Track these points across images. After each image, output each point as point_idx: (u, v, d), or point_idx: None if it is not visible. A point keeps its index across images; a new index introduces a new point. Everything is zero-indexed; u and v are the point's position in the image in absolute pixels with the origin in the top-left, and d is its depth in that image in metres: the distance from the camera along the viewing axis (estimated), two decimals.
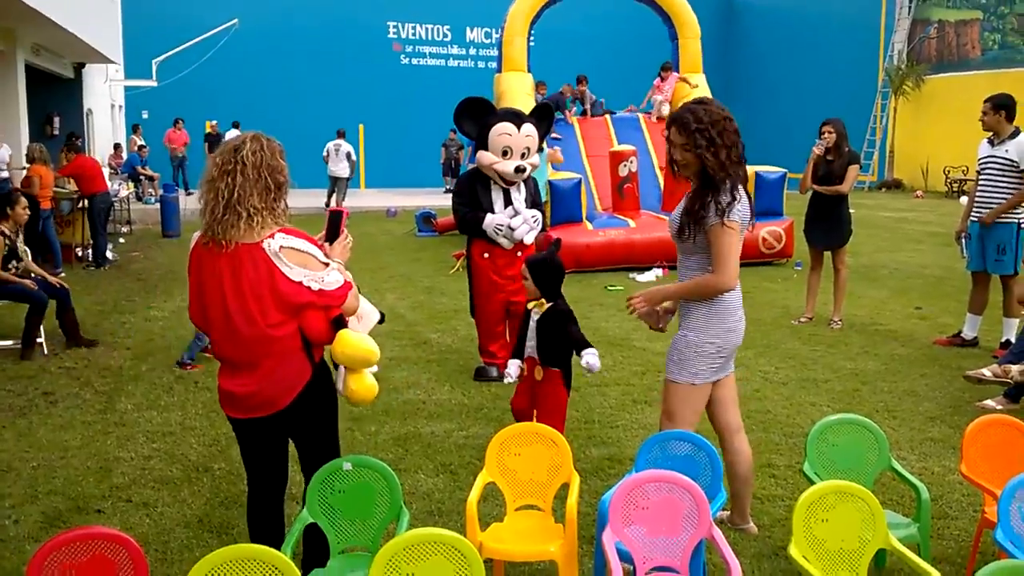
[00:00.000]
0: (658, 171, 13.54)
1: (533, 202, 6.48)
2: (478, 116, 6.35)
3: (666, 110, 14.49)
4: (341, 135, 20.40)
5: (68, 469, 4.91)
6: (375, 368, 3.32)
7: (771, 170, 12.09)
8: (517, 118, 6.30)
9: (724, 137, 3.61)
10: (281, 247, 2.98)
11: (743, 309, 3.84)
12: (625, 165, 12.20)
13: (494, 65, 28.08)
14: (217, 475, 4.84)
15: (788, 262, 12.14)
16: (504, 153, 6.24)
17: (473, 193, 6.43)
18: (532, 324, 4.61)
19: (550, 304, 4.60)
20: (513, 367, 4.63)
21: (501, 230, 6.38)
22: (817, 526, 3.07)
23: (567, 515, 3.33)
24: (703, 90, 14.59)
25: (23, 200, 7.78)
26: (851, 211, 8.47)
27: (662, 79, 15.06)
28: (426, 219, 16.24)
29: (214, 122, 23.75)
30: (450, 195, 24.32)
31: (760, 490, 4.59)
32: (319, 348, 3.17)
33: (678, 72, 15.05)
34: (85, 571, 2.54)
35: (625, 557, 3.04)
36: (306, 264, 3.02)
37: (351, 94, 27.58)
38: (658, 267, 11.38)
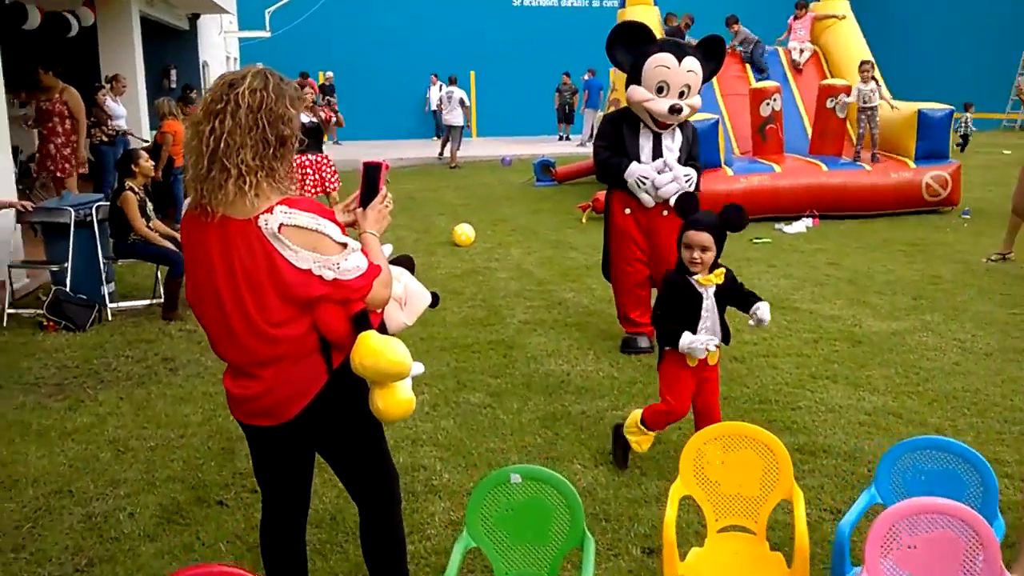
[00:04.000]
0: (803, 110, 12.41)
1: (690, 155, 5.59)
2: (634, 44, 5.54)
3: (805, 57, 13.19)
4: (453, 82, 19.73)
5: (188, 450, 4.47)
6: (420, 368, 2.53)
7: (936, 107, 10.84)
8: (679, 49, 5.45)
9: None
10: (282, 225, 2.27)
11: None
12: (768, 104, 11.14)
13: (610, 3, 26.89)
14: None
15: (955, 210, 10.92)
16: (659, 90, 5.42)
17: (618, 135, 5.62)
18: (709, 302, 3.77)
19: (721, 271, 3.79)
20: (708, 341, 3.74)
21: (644, 183, 5.57)
22: None
23: (797, 545, 2.62)
24: (850, 21, 13.27)
25: (144, 154, 7.49)
26: None
27: (796, 18, 13.60)
28: (545, 168, 15.50)
29: (329, 73, 23.36)
30: (564, 143, 23.18)
31: None
32: (341, 350, 2.44)
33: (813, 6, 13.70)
34: None
35: None
36: (317, 246, 2.29)
37: (462, 39, 26.81)
38: (808, 216, 10.37)
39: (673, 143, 5.61)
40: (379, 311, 2.53)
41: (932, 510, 2.31)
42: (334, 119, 10.13)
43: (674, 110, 5.36)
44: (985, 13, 25.28)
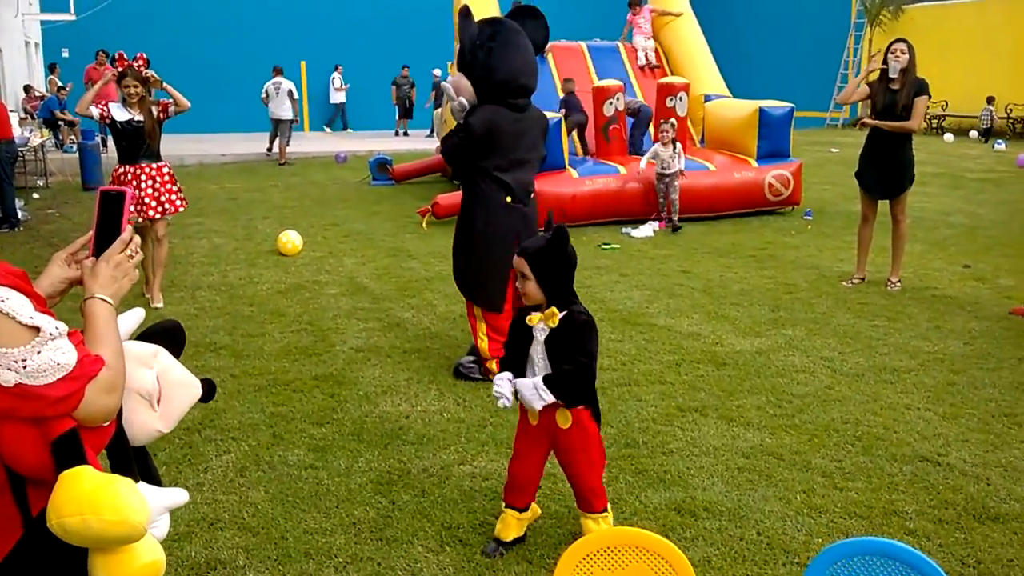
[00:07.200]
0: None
1: None
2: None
3: (649, 56, 12.82)
4: (278, 72, 18.34)
5: None
6: (183, 498, 1.77)
7: (776, 105, 10.69)
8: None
9: None
10: None
11: None
12: (611, 103, 10.71)
13: None
14: None
15: (796, 210, 10.84)
16: None
17: None
18: (539, 347, 3.11)
19: (564, 312, 3.08)
20: (504, 384, 3.15)
21: None
22: None
23: None
24: (689, 18, 13.07)
25: None
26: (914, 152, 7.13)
27: (634, 13, 13.23)
28: (381, 166, 14.60)
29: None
30: (402, 139, 22.15)
31: None
32: (43, 489, 1.55)
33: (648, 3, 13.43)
34: None
35: None
36: None
37: (291, 27, 25.34)
38: (654, 220, 9.99)
39: None
40: (106, 423, 1.67)
41: None
42: (171, 108, 7.13)
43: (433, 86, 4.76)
44: (809, 16, 26.23)
